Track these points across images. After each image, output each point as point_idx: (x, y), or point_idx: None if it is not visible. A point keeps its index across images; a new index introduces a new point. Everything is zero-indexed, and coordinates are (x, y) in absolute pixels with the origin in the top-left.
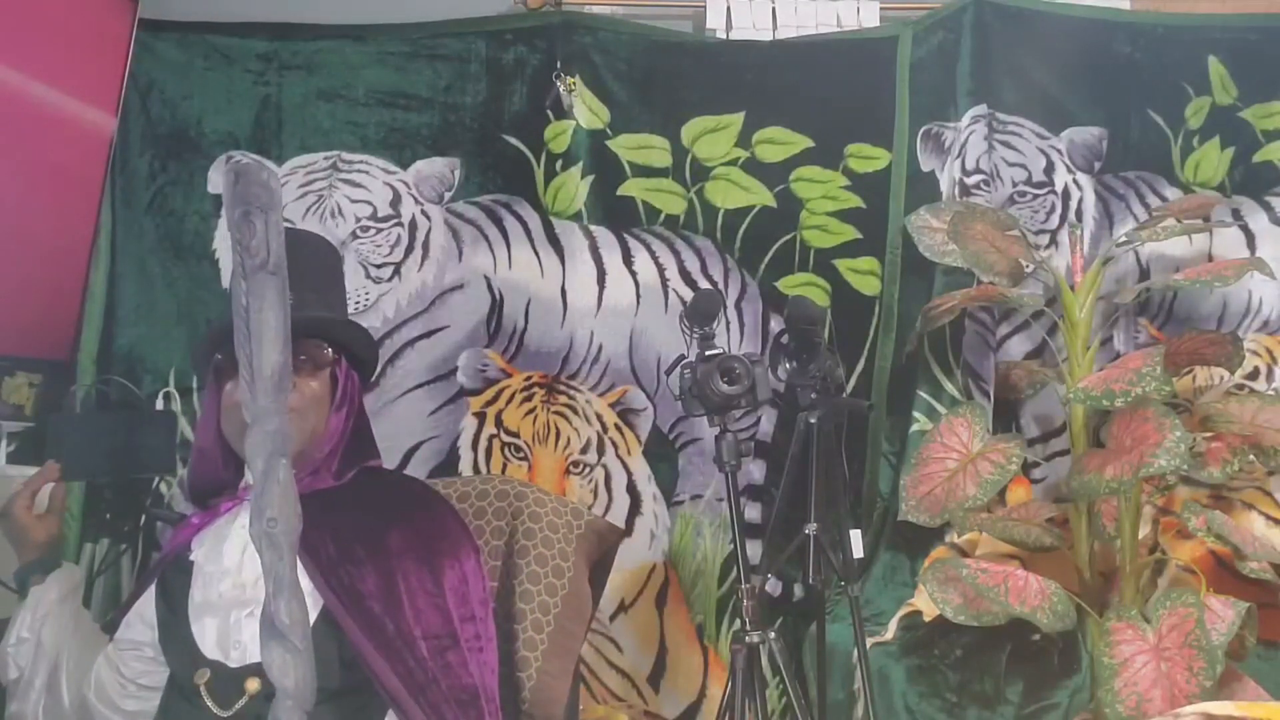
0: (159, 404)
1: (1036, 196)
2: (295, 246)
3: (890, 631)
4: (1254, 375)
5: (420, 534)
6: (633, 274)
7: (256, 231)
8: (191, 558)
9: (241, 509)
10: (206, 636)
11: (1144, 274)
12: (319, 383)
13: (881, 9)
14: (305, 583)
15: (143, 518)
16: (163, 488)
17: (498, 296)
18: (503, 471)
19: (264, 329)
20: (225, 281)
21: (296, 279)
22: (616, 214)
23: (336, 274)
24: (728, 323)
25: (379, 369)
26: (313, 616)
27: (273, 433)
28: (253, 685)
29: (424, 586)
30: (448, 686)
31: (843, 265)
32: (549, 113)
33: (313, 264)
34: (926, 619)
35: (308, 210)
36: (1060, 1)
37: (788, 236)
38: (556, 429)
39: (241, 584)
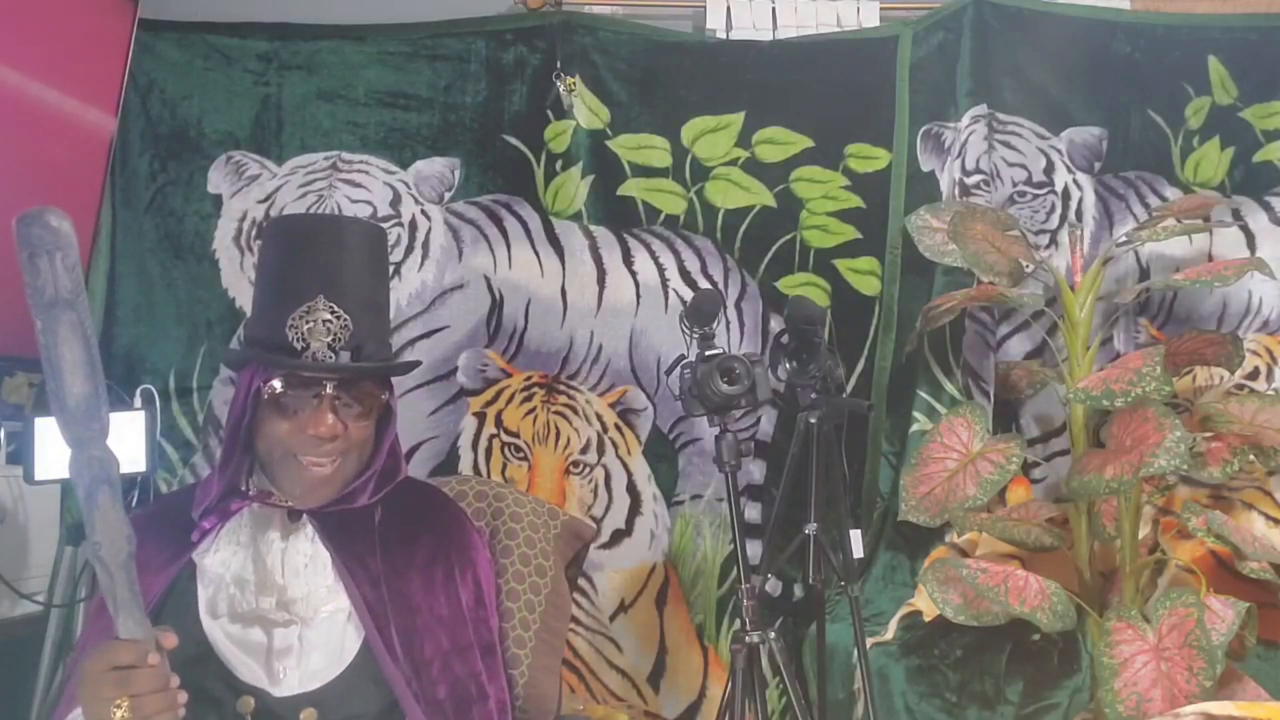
0: (137, 401)
1: (1036, 196)
2: (341, 242)
3: (890, 631)
4: (1254, 375)
5: (452, 543)
6: (633, 274)
7: (42, 272)
8: (195, 555)
9: (249, 513)
10: (243, 659)
11: (1144, 274)
12: (369, 424)
13: (881, 9)
14: (345, 603)
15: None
16: (162, 486)
17: (498, 296)
18: (503, 471)
19: (62, 363)
20: (225, 281)
21: (348, 289)
22: (616, 214)
23: (382, 265)
24: (728, 323)
25: None
26: (358, 643)
27: (93, 459)
28: (308, 716)
29: (465, 597)
30: (494, 697)
31: (843, 265)
32: (549, 113)
33: (360, 266)
34: (926, 619)
35: (308, 210)
36: (1060, 1)
37: (788, 236)
38: (556, 429)
39: (286, 602)
